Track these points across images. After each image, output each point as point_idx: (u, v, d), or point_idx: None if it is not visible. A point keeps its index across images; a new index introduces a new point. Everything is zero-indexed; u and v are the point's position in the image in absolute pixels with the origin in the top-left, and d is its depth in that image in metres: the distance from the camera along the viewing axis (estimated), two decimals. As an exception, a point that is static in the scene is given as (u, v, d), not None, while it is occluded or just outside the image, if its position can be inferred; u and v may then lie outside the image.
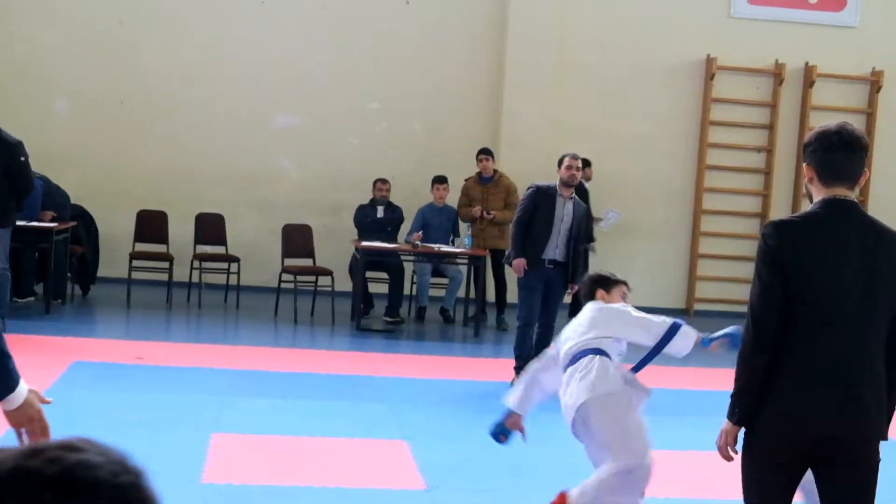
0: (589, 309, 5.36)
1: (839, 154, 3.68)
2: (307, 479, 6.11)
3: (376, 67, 13.82)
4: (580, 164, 9.35)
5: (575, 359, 5.09)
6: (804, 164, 3.78)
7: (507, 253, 9.67)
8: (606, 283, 5.64)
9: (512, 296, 12.54)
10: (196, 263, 12.57)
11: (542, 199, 9.16)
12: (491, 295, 12.66)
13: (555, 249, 9.13)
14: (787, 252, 3.59)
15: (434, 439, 7.16)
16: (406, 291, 12.46)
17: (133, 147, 13.49)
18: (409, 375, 9.39)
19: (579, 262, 9.36)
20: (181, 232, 12.81)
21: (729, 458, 3.73)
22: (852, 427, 3.56)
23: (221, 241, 12.94)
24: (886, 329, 3.62)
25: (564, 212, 9.15)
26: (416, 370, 9.68)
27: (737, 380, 3.65)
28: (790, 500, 3.73)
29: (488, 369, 10.13)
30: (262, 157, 13.70)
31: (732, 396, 3.67)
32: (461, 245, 11.87)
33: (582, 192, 11.11)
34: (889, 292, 3.61)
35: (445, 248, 11.82)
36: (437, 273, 12.49)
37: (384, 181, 12.60)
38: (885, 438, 3.65)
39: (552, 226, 9.10)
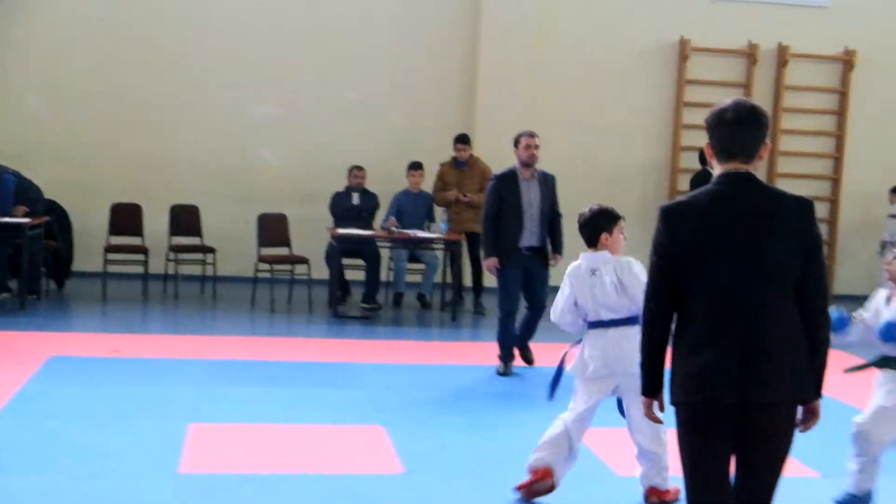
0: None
1: (733, 129, 3.73)
2: (285, 467, 6.09)
3: (353, 58, 13.79)
4: (538, 142, 8.91)
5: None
6: (706, 144, 3.84)
7: (482, 252, 9.42)
8: (609, 223, 5.81)
9: (489, 279, 12.58)
10: (171, 255, 12.53)
11: (505, 188, 8.83)
12: (468, 279, 12.68)
13: (530, 236, 8.87)
14: (673, 235, 3.72)
15: (412, 424, 7.15)
16: (383, 278, 12.44)
17: (106, 140, 13.42)
18: (386, 361, 9.38)
19: (558, 236, 9.03)
20: (156, 224, 12.76)
21: (657, 421, 3.91)
22: (758, 391, 3.59)
23: (197, 232, 12.89)
24: (793, 290, 3.67)
25: (531, 195, 8.86)
26: (394, 356, 9.67)
27: (640, 354, 3.80)
28: (725, 467, 3.73)
29: (466, 354, 10.15)
30: (238, 148, 13.66)
31: (640, 369, 3.82)
32: (437, 230, 11.86)
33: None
34: (788, 254, 3.65)
35: (421, 234, 11.81)
36: (413, 259, 12.48)
37: (359, 168, 12.56)
38: (812, 398, 3.71)
39: (522, 213, 8.81)
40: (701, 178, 13.13)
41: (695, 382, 3.64)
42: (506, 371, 8.89)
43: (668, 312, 3.74)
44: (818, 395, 3.74)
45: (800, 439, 6.45)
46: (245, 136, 13.68)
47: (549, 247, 9.02)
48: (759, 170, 3.79)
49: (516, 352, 9.07)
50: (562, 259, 8.80)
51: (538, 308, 8.91)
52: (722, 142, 3.76)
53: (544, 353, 8.84)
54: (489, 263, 8.88)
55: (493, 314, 12.11)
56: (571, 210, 13.12)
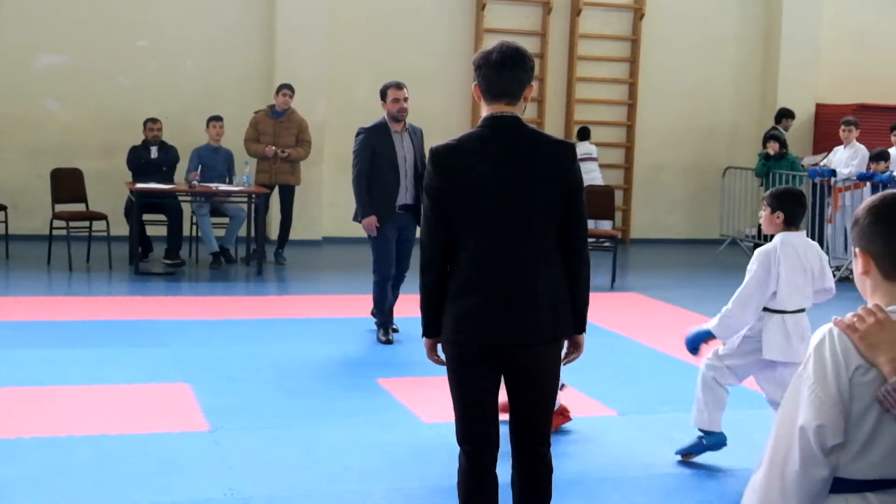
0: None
1: (497, 71, 3.77)
2: (86, 429, 5.96)
3: (143, 3, 13.38)
4: (407, 94, 8.34)
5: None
6: (473, 85, 3.89)
7: (355, 212, 8.47)
8: None
9: (298, 233, 12.54)
10: (-41, 213, 12.00)
11: (378, 142, 8.24)
12: (273, 232, 12.59)
13: (405, 194, 8.29)
14: (440, 177, 3.77)
15: (217, 381, 7.10)
16: (186, 233, 12.20)
17: None
18: (190, 318, 9.25)
19: None
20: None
21: (439, 363, 3.94)
22: (516, 331, 3.74)
23: (-14, 189, 12.37)
24: (554, 234, 3.79)
25: (405, 150, 8.30)
26: (198, 312, 9.53)
27: (420, 298, 3.89)
28: (489, 410, 3.88)
29: (272, 307, 10.09)
30: (25, 98, 13.12)
31: (420, 314, 3.90)
32: (240, 183, 11.69)
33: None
34: (548, 196, 3.75)
35: (224, 187, 11.62)
36: (217, 213, 12.25)
37: (154, 121, 12.22)
38: (574, 333, 3.89)
39: (398, 169, 8.24)
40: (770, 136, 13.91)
41: (462, 323, 3.77)
42: (386, 339, 8.41)
43: (443, 254, 3.80)
44: (581, 330, 3.92)
45: (598, 381, 6.68)
46: (33, 87, 13.15)
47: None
48: (524, 111, 3.88)
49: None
50: None
51: (403, 269, 8.52)
52: (488, 84, 3.79)
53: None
54: (368, 223, 8.22)
55: (297, 265, 12.17)
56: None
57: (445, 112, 14.52)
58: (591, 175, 13.82)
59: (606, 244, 12.46)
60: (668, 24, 15.28)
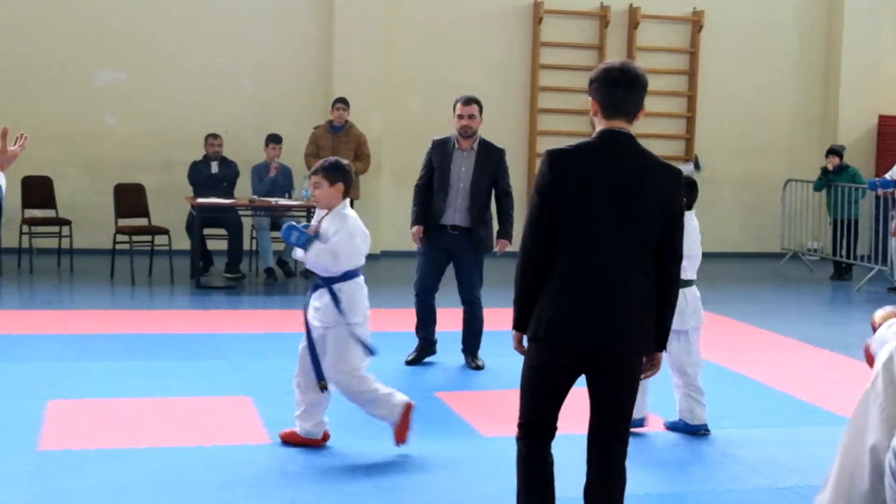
0: None
1: (621, 90, 3.93)
2: (148, 441, 6.02)
3: (202, 22, 13.55)
4: (476, 110, 7.86)
5: None
6: (590, 98, 4.01)
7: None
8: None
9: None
10: (25, 228, 12.20)
11: (438, 156, 7.95)
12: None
13: (454, 214, 7.88)
14: (555, 179, 3.88)
15: (277, 394, 7.11)
16: (247, 247, 12.32)
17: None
18: (250, 331, 9.32)
19: (505, 218, 8.05)
20: (7, 196, 12.26)
21: (525, 354, 4.07)
22: (609, 339, 3.87)
23: (51, 203, 12.57)
24: (651, 251, 3.91)
25: (462, 168, 7.88)
26: (258, 325, 9.61)
27: (514, 291, 4.01)
28: (556, 406, 4.02)
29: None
30: (87, 115, 13.32)
31: (513, 306, 4.02)
32: (299, 198, 11.79)
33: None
34: (650, 216, 3.88)
35: (283, 202, 11.72)
36: (276, 227, 12.33)
37: (215, 136, 12.38)
38: (654, 351, 4.02)
39: (448, 187, 7.87)
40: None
41: (559, 323, 3.88)
42: (408, 358, 8.15)
43: (543, 252, 3.92)
44: (661, 348, 4.05)
45: (657, 395, 6.66)
46: (94, 104, 13.35)
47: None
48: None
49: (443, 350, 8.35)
50: (508, 245, 7.95)
51: (467, 303, 8.07)
52: (609, 100, 3.94)
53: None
54: (413, 233, 8.06)
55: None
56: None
57: (500, 125, 14.45)
58: None
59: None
60: (727, 35, 15.18)
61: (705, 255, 6.66)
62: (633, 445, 6.12)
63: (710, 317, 10.67)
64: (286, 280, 12.18)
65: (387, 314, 10.20)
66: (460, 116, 7.85)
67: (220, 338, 8.90)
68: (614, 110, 3.94)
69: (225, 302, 10.89)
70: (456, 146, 7.94)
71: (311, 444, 6.03)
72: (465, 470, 5.73)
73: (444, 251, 8.01)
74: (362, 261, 6.01)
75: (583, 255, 3.87)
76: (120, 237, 11.84)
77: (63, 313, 9.88)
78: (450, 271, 8.23)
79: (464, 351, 8.19)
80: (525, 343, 4.06)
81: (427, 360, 8.28)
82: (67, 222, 12.33)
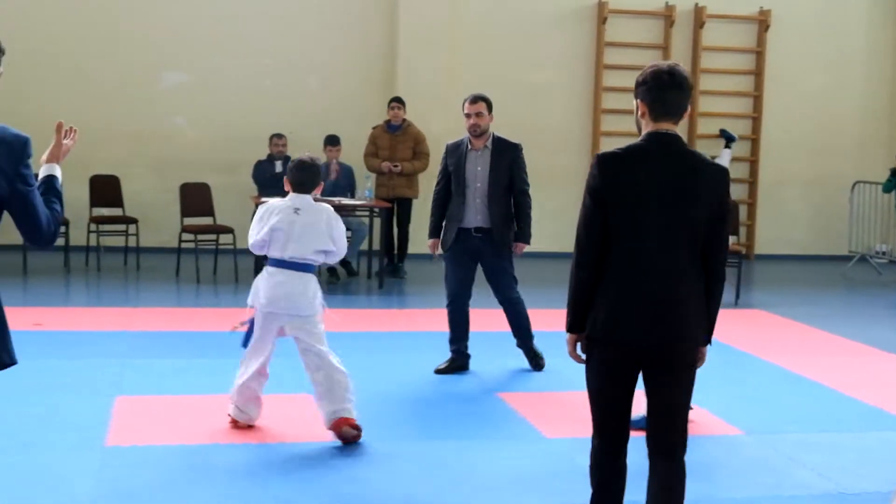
0: None
1: (670, 92, 3.99)
2: (213, 437, 6.08)
3: (267, 22, 13.66)
4: (484, 108, 7.71)
5: None
6: (637, 101, 4.10)
7: None
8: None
9: (414, 246, 12.59)
10: (93, 226, 12.37)
11: (452, 159, 7.81)
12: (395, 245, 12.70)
13: (475, 215, 7.69)
14: (607, 182, 3.97)
15: (341, 392, 7.16)
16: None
17: (21, 109, 13.14)
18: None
19: (522, 218, 7.82)
20: (76, 194, 12.54)
21: (579, 361, 4.15)
22: (668, 334, 3.97)
23: (118, 202, 12.73)
24: (699, 249, 4.01)
25: (477, 168, 7.72)
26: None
27: (568, 293, 4.11)
28: (626, 402, 4.12)
29: (392, 320, 10.17)
30: (155, 116, 13.48)
31: (567, 307, 4.12)
32: (361, 197, 11.83)
33: None
34: (700, 214, 3.96)
35: (346, 201, 11.78)
36: (339, 227, 12.42)
37: (280, 136, 12.51)
38: (703, 344, 4.09)
39: (465, 189, 7.70)
40: None
41: (618, 324, 3.98)
42: (438, 367, 7.92)
43: (597, 254, 4.01)
44: (708, 342, 4.12)
45: (723, 399, 6.60)
46: (161, 105, 13.51)
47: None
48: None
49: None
50: (526, 248, 7.89)
51: (506, 303, 7.90)
52: (657, 103, 4.00)
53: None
54: (429, 246, 8.05)
55: (417, 279, 12.25)
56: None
57: (565, 125, 14.48)
58: None
59: (731, 260, 12.25)
60: (794, 35, 14.99)
61: (771, 258, 6.60)
62: (694, 449, 6.07)
63: (777, 320, 10.63)
64: (348, 280, 12.22)
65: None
66: (468, 115, 7.69)
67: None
68: (662, 112, 4.01)
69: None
70: (469, 147, 7.77)
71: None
72: (528, 471, 5.71)
73: (470, 255, 7.78)
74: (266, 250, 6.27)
75: (636, 256, 3.96)
76: (185, 236, 11.96)
77: (129, 311, 10.00)
78: (480, 275, 8.02)
79: (521, 347, 8.02)
80: (579, 349, 4.14)
81: (486, 361, 8.26)
82: (134, 221, 12.48)
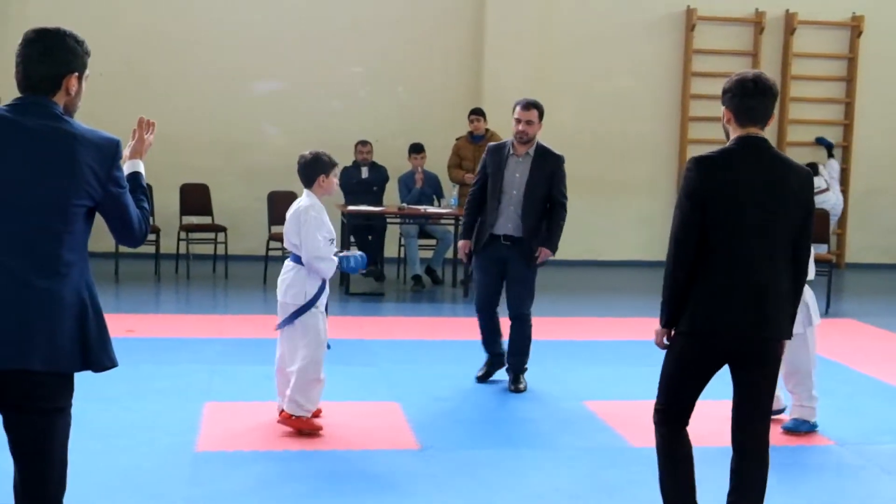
0: None
1: (755, 99, 4.20)
2: (300, 444, 6.13)
3: (356, 31, 13.76)
4: (535, 116, 7.34)
5: None
6: (723, 107, 4.28)
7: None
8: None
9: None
10: (183, 234, 12.57)
11: (492, 162, 7.50)
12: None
13: (506, 223, 7.42)
14: (704, 184, 4.14)
15: (426, 400, 7.19)
16: (394, 254, 12.45)
17: (113, 119, 13.30)
18: (399, 338, 9.40)
19: (553, 227, 7.47)
20: (166, 203, 12.78)
21: (664, 348, 4.37)
22: (761, 329, 4.17)
23: (207, 210, 12.91)
24: (790, 247, 4.21)
25: (516, 175, 7.40)
26: (407, 332, 9.68)
27: (664, 291, 4.27)
28: (697, 394, 4.33)
29: (476, 328, 10.13)
30: (244, 124, 13.66)
31: (661, 305, 4.30)
32: (447, 205, 11.86)
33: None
34: (792, 213, 4.18)
35: (431, 209, 11.81)
36: (424, 235, 12.49)
37: (364, 143, 12.61)
38: (789, 337, 4.30)
39: (501, 195, 7.40)
40: None
41: (711, 320, 4.17)
42: (478, 374, 7.78)
43: (694, 253, 4.17)
44: (790, 336, 4.32)
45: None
46: (251, 114, 13.68)
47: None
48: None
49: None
50: (551, 255, 7.53)
51: (514, 318, 7.56)
52: (745, 110, 4.20)
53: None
54: (460, 247, 7.78)
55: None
56: (580, 182, 13.10)
57: (652, 134, 14.37)
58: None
59: (821, 268, 12.03)
60: (889, 41, 14.69)
61: (862, 267, 6.53)
62: (786, 460, 5.99)
63: (868, 330, 10.42)
64: (434, 287, 12.26)
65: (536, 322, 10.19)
66: (518, 121, 7.36)
67: (369, 344, 8.99)
68: (748, 118, 4.20)
69: (373, 308, 11.01)
70: (511, 152, 7.45)
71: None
72: (613, 480, 5.67)
73: (499, 262, 7.50)
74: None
75: (733, 255, 4.13)
76: (273, 244, 12.09)
77: (218, 318, 10.13)
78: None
79: (508, 370, 7.67)
80: (665, 339, 4.34)
81: (571, 370, 8.22)
82: (223, 229, 12.65)
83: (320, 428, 6.33)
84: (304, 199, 6.52)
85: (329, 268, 6.41)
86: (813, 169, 14.17)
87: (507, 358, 7.68)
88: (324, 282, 6.48)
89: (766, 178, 4.14)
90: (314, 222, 6.39)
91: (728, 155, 4.21)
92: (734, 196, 4.12)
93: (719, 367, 4.28)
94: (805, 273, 4.32)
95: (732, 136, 4.25)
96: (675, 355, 4.30)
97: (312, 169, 6.49)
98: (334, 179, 6.57)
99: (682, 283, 4.19)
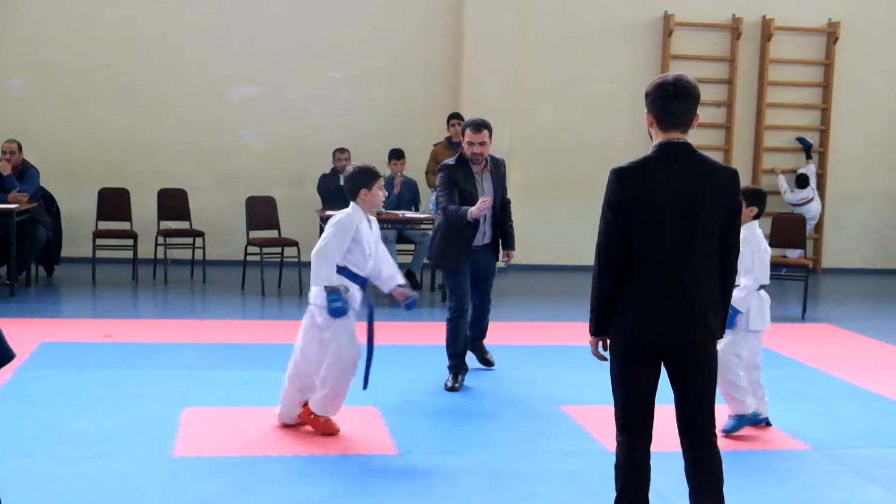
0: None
1: (675, 103, 4.23)
2: (279, 449, 6.13)
3: (335, 36, 13.76)
4: (487, 136, 7.51)
5: None
6: (645, 112, 4.32)
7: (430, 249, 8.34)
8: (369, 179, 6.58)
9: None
10: (160, 239, 12.54)
11: (461, 178, 7.62)
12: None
13: (482, 237, 7.76)
14: (624, 194, 4.19)
15: (404, 405, 7.20)
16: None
17: (91, 124, 13.39)
18: (378, 343, 9.36)
19: (508, 227, 7.95)
20: (144, 208, 12.75)
21: (602, 359, 4.40)
22: (689, 331, 4.18)
23: (185, 216, 12.88)
24: (716, 248, 4.21)
25: (485, 191, 7.68)
26: (386, 337, 9.64)
27: (592, 300, 4.31)
28: (648, 399, 4.30)
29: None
30: (222, 130, 13.65)
31: (590, 313, 4.34)
32: (426, 210, 11.88)
33: None
34: (714, 216, 4.17)
35: (410, 214, 11.82)
36: (403, 240, 12.49)
37: (342, 150, 12.63)
38: (720, 337, 4.33)
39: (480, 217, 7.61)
40: None
41: (644, 325, 4.19)
42: (454, 385, 7.76)
43: (619, 262, 4.20)
44: (722, 334, 4.34)
45: (790, 414, 6.50)
46: (230, 119, 13.67)
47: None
48: (690, 137, 4.28)
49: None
50: (515, 255, 8.09)
51: (481, 306, 8.07)
52: (664, 114, 4.24)
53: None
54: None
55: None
56: (560, 186, 13.14)
57: (630, 138, 14.38)
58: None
59: (797, 273, 12.10)
60: (864, 47, 14.80)
61: (838, 272, 6.59)
62: (761, 464, 6.02)
63: (844, 334, 10.48)
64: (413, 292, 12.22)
65: (516, 327, 10.22)
66: (470, 143, 7.54)
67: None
68: (669, 122, 4.23)
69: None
70: (473, 169, 7.66)
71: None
72: (591, 485, 5.68)
73: (472, 267, 7.82)
74: None
75: (656, 262, 4.15)
76: (251, 249, 12.07)
77: (196, 323, 10.11)
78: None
79: (475, 343, 8.16)
80: (600, 348, 4.37)
81: (548, 374, 8.24)
82: (201, 234, 12.63)
83: (338, 430, 6.47)
84: (346, 209, 6.50)
85: (321, 270, 6.38)
86: (804, 180, 14.26)
87: (472, 330, 8.02)
88: (359, 284, 6.59)
89: (686, 184, 4.15)
90: (338, 227, 6.39)
91: (648, 163, 4.24)
92: (653, 203, 4.15)
93: (658, 371, 4.29)
94: (734, 271, 4.35)
95: (655, 140, 4.28)
96: (613, 367, 4.32)
97: (353, 183, 6.46)
98: (378, 192, 6.49)
99: (609, 292, 4.23)
